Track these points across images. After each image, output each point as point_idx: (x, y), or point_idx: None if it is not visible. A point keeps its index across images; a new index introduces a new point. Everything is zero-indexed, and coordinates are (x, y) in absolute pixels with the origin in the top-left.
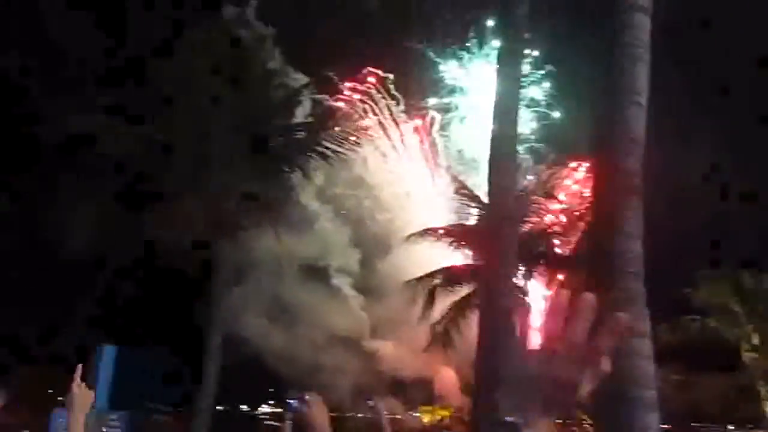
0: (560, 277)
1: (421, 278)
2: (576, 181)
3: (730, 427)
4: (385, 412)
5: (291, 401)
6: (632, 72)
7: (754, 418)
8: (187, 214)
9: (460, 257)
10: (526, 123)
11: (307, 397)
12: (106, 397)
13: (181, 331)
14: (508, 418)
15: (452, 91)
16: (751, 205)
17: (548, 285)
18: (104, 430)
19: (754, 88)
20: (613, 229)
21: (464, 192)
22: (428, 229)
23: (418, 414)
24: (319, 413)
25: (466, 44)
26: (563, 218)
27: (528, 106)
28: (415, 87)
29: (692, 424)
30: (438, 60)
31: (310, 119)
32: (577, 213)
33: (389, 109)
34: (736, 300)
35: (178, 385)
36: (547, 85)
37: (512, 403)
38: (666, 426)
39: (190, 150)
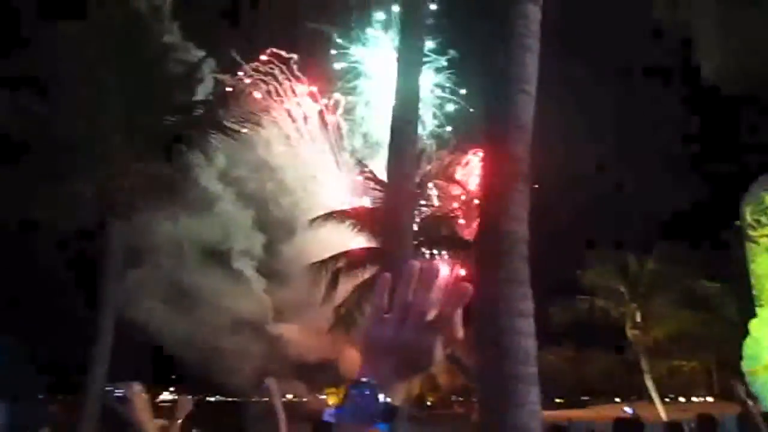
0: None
1: (324, 261)
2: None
3: (617, 400)
4: (279, 393)
5: (117, 393)
6: (521, 61)
7: (638, 390)
8: (77, 194)
9: (363, 240)
10: (429, 108)
11: (128, 391)
12: None
13: (71, 317)
14: (364, 379)
15: (358, 74)
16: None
17: (452, 269)
18: None
19: (642, 81)
20: (500, 212)
21: (368, 175)
22: (332, 213)
23: (324, 396)
24: (140, 407)
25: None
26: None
27: (432, 92)
28: (319, 69)
29: (582, 397)
30: (343, 43)
31: (210, 98)
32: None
33: (293, 91)
34: (622, 281)
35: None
36: (450, 72)
37: (370, 365)
38: (559, 400)
39: (80, 126)
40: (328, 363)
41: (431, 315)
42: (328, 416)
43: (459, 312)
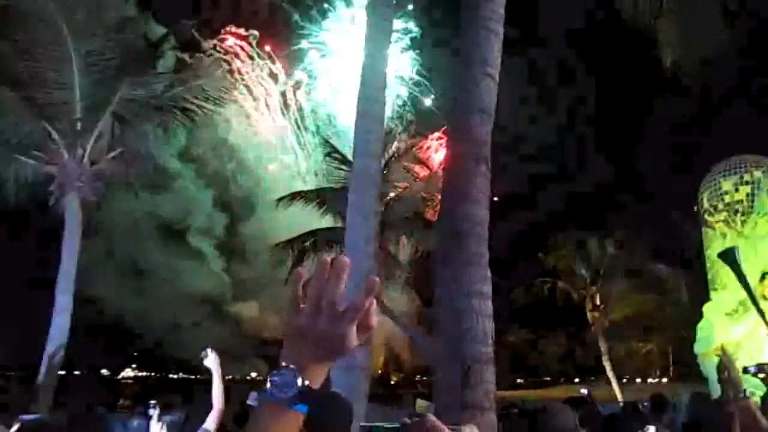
0: None
1: (290, 241)
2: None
3: (576, 381)
4: (217, 362)
5: None
6: (486, 45)
7: (596, 371)
8: (32, 167)
9: (327, 221)
10: (393, 89)
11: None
12: None
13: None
14: (284, 363)
15: (323, 54)
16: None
17: (416, 248)
18: None
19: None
20: (460, 195)
21: (335, 156)
22: (298, 192)
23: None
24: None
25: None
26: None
27: (395, 72)
28: (280, 48)
29: (544, 378)
30: (304, 23)
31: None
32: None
33: (254, 69)
34: (583, 264)
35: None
36: (416, 52)
37: (290, 350)
38: (520, 380)
39: (40, 98)
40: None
41: (343, 305)
42: (252, 400)
43: (372, 301)
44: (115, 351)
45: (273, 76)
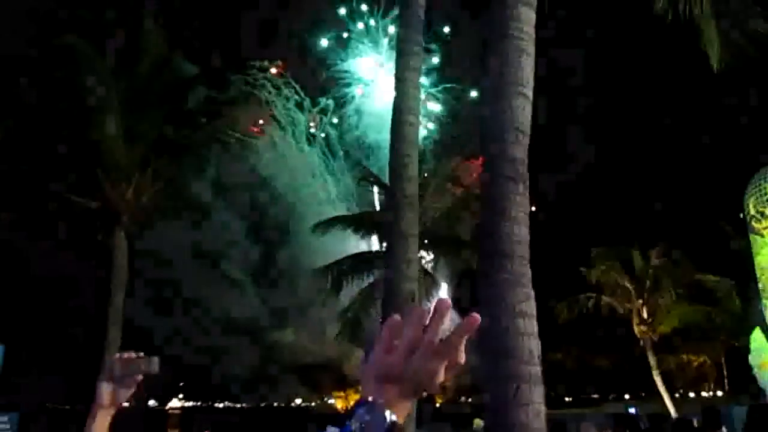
0: None
1: (328, 266)
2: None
3: (626, 396)
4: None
5: None
6: (518, 64)
7: (646, 385)
8: (79, 203)
9: (365, 245)
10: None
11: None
12: None
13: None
14: (371, 398)
15: (347, 84)
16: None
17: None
18: None
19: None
20: (499, 215)
21: (369, 179)
22: (335, 218)
23: (332, 401)
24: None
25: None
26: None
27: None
28: (308, 76)
29: (592, 395)
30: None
31: (203, 108)
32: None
33: (286, 98)
34: (627, 277)
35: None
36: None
37: (375, 387)
38: (568, 398)
39: (83, 137)
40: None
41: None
42: None
43: (465, 340)
44: (161, 381)
45: (299, 105)
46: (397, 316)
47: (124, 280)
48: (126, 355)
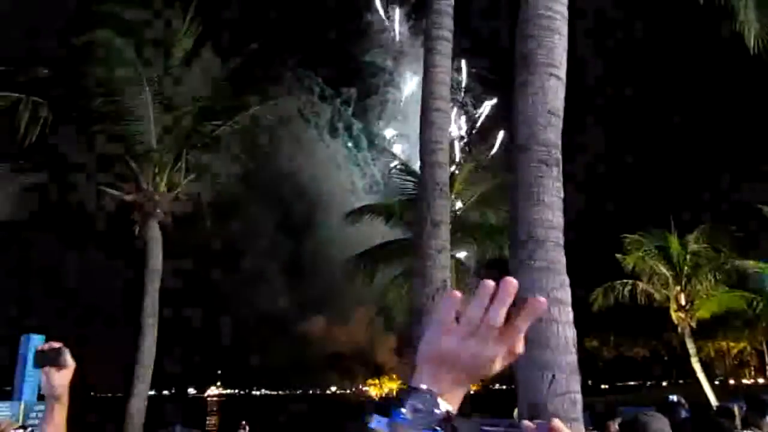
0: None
1: (360, 254)
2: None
3: (664, 384)
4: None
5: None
6: (549, 44)
7: (684, 372)
8: (115, 197)
9: (395, 233)
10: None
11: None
12: (33, 389)
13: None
14: (423, 386)
15: (373, 74)
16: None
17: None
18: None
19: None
20: (530, 200)
21: (401, 167)
22: (365, 207)
23: (366, 389)
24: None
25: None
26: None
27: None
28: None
29: (629, 383)
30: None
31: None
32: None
33: (310, 90)
34: (664, 264)
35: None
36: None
37: (429, 373)
38: (605, 386)
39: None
40: (359, 354)
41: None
42: (377, 423)
43: (526, 327)
44: (198, 370)
45: (322, 96)
46: (457, 292)
47: (159, 271)
48: (45, 346)
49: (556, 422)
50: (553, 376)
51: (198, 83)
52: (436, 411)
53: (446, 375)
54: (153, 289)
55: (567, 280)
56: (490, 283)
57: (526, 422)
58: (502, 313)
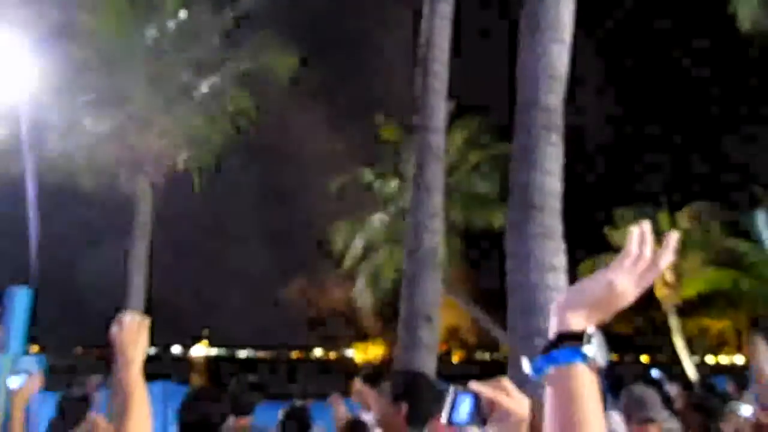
0: None
1: (344, 221)
2: None
3: (644, 359)
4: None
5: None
6: (555, 8)
7: (666, 348)
8: (105, 152)
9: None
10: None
11: (123, 318)
12: (20, 342)
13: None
14: (589, 329)
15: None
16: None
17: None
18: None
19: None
20: (531, 165)
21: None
22: (350, 174)
23: (350, 353)
24: (127, 333)
25: None
26: None
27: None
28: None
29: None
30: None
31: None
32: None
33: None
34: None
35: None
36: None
37: (585, 314)
38: None
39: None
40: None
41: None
42: (533, 368)
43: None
44: (184, 331)
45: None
46: (646, 229)
47: (148, 229)
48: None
49: (504, 381)
50: (543, 341)
51: (189, 35)
52: (607, 351)
53: (596, 315)
54: (141, 248)
55: (563, 247)
56: (642, 225)
57: (474, 383)
58: (664, 264)
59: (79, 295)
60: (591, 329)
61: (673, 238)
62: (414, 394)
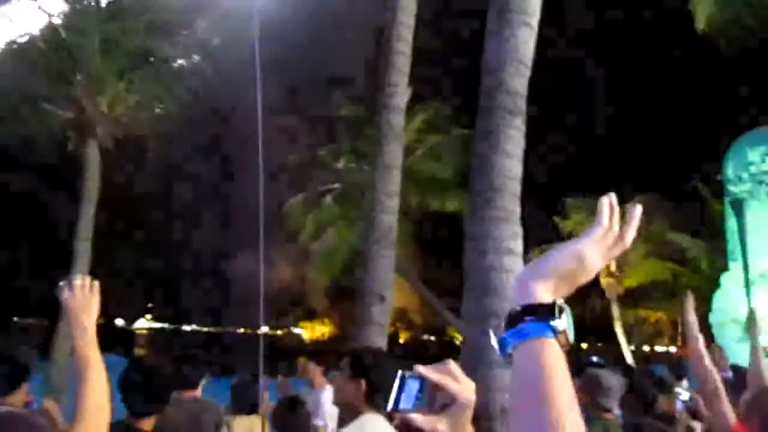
0: None
1: (300, 200)
2: None
3: (583, 346)
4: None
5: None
6: None
7: (606, 336)
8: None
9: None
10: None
11: (73, 282)
12: None
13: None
14: (558, 301)
15: None
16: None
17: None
18: None
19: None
20: (492, 148)
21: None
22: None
23: (299, 331)
24: (78, 298)
25: None
26: None
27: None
28: None
29: None
30: None
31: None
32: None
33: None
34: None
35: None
36: None
37: (552, 287)
38: None
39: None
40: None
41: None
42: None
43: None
44: (128, 302)
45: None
46: (612, 196)
47: (96, 194)
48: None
49: (451, 364)
50: (499, 325)
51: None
52: (561, 314)
53: (563, 287)
54: (88, 213)
55: (520, 231)
56: (611, 197)
57: (421, 366)
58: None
59: None
60: (560, 301)
61: (638, 211)
62: (373, 372)
